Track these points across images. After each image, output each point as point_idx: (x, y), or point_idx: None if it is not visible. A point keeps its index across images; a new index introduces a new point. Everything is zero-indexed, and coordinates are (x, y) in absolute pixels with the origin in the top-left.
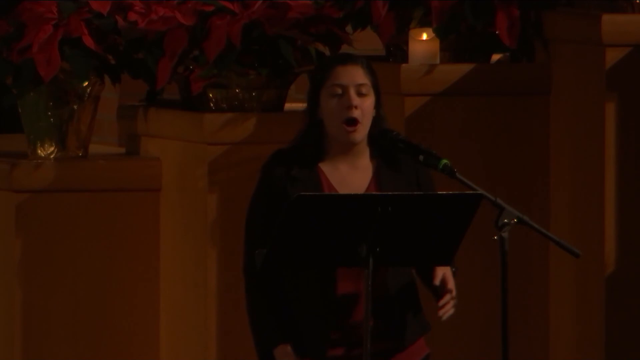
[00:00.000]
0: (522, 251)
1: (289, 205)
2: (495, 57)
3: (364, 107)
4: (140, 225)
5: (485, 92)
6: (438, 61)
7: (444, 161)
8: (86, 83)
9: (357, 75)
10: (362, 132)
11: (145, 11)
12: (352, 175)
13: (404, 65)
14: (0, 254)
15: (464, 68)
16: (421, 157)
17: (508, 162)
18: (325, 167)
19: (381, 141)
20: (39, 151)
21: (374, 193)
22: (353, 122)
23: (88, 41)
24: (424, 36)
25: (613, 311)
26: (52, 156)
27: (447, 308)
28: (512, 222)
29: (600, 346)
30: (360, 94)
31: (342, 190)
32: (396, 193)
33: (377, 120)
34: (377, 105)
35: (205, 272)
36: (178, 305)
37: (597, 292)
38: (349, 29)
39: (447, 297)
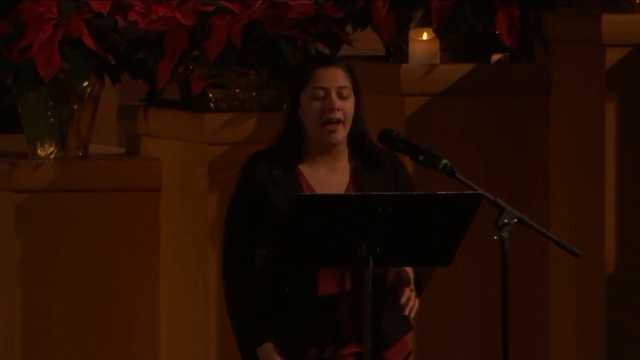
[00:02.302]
0: (522, 251)
1: (289, 205)
2: (495, 57)
3: (346, 110)
4: (140, 225)
5: (485, 92)
6: (438, 61)
7: (444, 161)
8: (86, 83)
9: (338, 78)
10: (342, 133)
11: (145, 11)
12: (331, 176)
13: (404, 65)
14: (0, 254)
15: (464, 68)
16: (421, 157)
17: (508, 162)
18: (305, 169)
19: (359, 142)
20: (39, 151)
21: (374, 193)
22: (335, 121)
23: (88, 41)
24: (424, 36)
25: (613, 311)
26: (52, 156)
27: (411, 304)
28: (512, 222)
29: (600, 346)
30: (341, 97)
31: (322, 192)
32: (396, 193)
33: (356, 121)
34: (357, 107)
35: (205, 272)
36: (178, 305)
37: (597, 292)
38: (349, 29)
39: (407, 291)
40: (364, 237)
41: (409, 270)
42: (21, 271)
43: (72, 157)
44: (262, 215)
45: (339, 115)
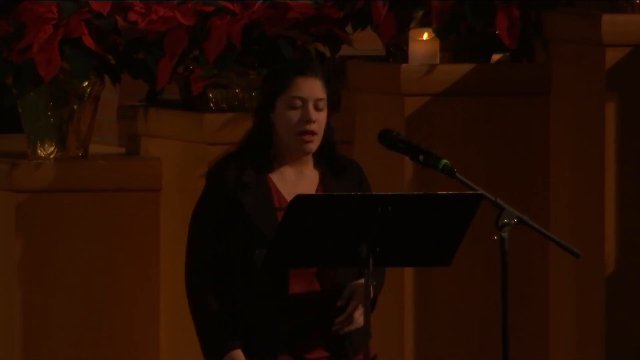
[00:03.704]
0: (522, 251)
1: (289, 205)
2: (495, 57)
3: (320, 121)
4: (140, 225)
5: (485, 92)
6: (438, 61)
7: (444, 161)
8: (86, 83)
9: (316, 90)
10: (316, 143)
11: (145, 11)
12: (299, 182)
13: (404, 65)
14: (0, 254)
15: (464, 68)
16: (421, 157)
17: (508, 162)
18: (273, 175)
19: (325, 150)
20: (39, 151)
21: (374, 193)
22: (310, 133)
23: (88, 41)
24: (424, 36)
25: (613, 311)
26: (52, 156)
27: (340, 327)
28: (512, 222)
29: (600, 346)
30: (317, 109)
31: (290, 197)
32: (396, 193)
33: (326, 132)
34: (328, 117)
35: None
36: (178, 305)
37: (597, 292)
38: (349, 29)
39: (343, 316)
40: (364, 237)
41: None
42: (21, 271)
43: (72, 157)
44: (230, 218)
45: (314, 127)
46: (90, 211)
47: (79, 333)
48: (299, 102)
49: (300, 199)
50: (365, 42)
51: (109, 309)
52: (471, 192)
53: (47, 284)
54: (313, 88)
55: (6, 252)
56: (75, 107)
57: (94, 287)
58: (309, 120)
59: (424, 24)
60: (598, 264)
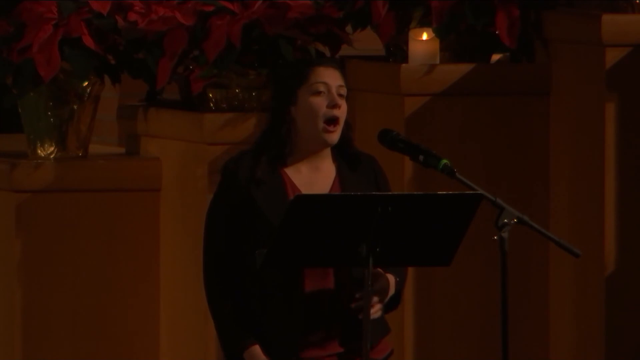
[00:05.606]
0: (522, 251)
1: (289, 205)
2: (495, 57)
3: (343, 110)
4: (140, 225)
5: (485, 92)
6: (438, 61)
7: (444, 161)
8: (86, 83)
9: (337, 77)
10: (339, 134)
11: (145, 11)
12: (315, 177)
13: (404, 65)
14: (0, 254)
15: (464, 68)
16: (421, 157)
17: (508, 162)
18: (289, 170)
19: (344, 145)
20: (39, 151)
21: (374, 193)
22: (335, 121)
23: (88, 41)
24: (424, 36)
25: (613, 311)
26: (52, 156)
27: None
28: (512, 222)
29: (600, 346)
30: (340, 96)
31: (306, 192)
32: (396, 193)
33: (345, 125)
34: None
35: None
36: (178, 305)
37: (597, 292)
38: (349, 29)
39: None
40: (364, 237)
41: (391, 281)
42: (21, 271)
43: (72, 157)
44: (244, 215)
45: (338, 113)
46: (90, 211)
47: (79, 333)
48: (323, 87)
49: (300, 199)
50: (365, 42)
51: (108, 308)
52: (471, 192)
53: (47, 284)
54: (334, 75)
55: (6, 252)
56: (75, 107)
57: (94, 287)
58: (336, 105)
59: (424, 24)
60: (598, 264)
